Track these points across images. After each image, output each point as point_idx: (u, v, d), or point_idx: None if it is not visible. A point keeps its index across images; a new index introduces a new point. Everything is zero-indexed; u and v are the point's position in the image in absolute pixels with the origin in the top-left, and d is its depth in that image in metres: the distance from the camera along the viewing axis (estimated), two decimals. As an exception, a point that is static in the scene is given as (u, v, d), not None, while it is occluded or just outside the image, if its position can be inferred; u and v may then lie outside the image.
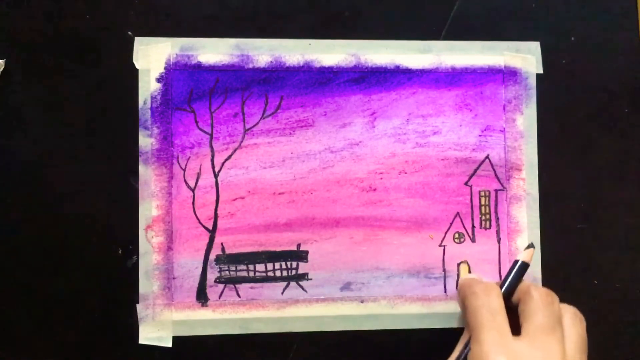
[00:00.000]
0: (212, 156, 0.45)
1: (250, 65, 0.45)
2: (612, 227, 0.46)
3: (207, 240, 0.44)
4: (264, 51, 0.45)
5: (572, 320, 0.37)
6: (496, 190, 0.46)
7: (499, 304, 0.36)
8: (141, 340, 0.43)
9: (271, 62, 0.45)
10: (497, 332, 0.35)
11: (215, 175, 0.45)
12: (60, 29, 0.44)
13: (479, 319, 0.36)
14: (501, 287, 0.39)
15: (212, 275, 0.44)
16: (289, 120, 0.45)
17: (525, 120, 0.46)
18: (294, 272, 0.44)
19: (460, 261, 0.45)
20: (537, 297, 0.36)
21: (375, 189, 0.45)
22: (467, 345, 0.37)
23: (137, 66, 0.44)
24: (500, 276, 0.45)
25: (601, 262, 0.46)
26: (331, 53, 0.45)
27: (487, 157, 0.46)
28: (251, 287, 0.44)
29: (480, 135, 0.46)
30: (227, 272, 0.44)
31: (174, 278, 0.44)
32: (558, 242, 0.46)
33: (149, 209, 0.44)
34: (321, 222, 0.45)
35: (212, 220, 0.44)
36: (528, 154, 0.46)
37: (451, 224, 0.45)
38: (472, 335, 0.36)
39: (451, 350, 0.44)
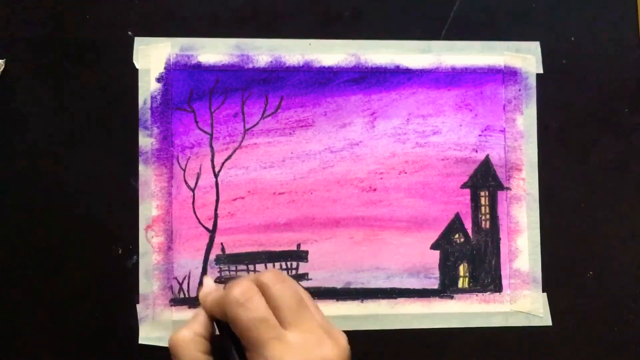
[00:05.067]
0: (212, 156, 0.45)
1: (250, 65, 0.45)
2: (612, 227, 0.46)
3: (207, 240, 0.44)
4: (264, 51, 0.45)
5: (290, 282, 0.35)
6: (496, 190, 0.46)
7: (265, 306, 0.33)
8: (141, 340, 0.43)
9: (271, 62, 0.45)
10: (278, 340, 0.32)
11: (215, 175, 0.45)
12: (60, 29, 0.44)
13: (257, 333, 0.32)
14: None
15: (212, 275, 0.44)
16: (289, 120, 0.45)
17: (525, 120, 0.46)
18: (294, 272, 0.44)
19: (204, 275, 0.42)
20: (272, 284, 0.33)
21: (375, 189, 0.45)
22: None
23: (137, 66, 0.44)
24: (501, 275, 0.45)
25: (601, 262, 0.46)
26: (331, 53, 0.45)
27: (487, 157, 0.46)
28: (251, 287, 0.44)
29: (480, 135, 0.46)
30: (227, 272, 0.44)
31: (174, 278, 0.44)
32: (558, 242, 0.45)
33: (149, 209, 0.44)
34: (321, 222, 0.45)
35: (212, 220, 0.44)
36: (528, 154, 0.46)
37: (451, 224, 0.45)
38: (252, 351, 0.32)
39: (451, 349, 0.45)
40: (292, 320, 0.33)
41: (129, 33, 0.45)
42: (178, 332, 0.34)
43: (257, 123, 0.45)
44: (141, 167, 0.44)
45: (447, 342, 0.45)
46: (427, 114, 0.46)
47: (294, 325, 0.33)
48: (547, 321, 0.45)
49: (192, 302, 0.44)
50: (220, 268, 0.44)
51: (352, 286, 0.45)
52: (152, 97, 0.44)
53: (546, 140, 0.46)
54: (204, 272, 0.44)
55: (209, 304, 0.35)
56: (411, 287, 0.45)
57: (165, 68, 0.45)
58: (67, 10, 0.44)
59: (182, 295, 0.44)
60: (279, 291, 0.33)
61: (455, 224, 0.45)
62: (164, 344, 0.43)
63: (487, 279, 0.45)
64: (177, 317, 0.43)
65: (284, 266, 0.44)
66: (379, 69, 0.46)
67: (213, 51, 0.45)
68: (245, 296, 0.33)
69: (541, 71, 0.46)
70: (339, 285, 0.45)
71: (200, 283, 0.41)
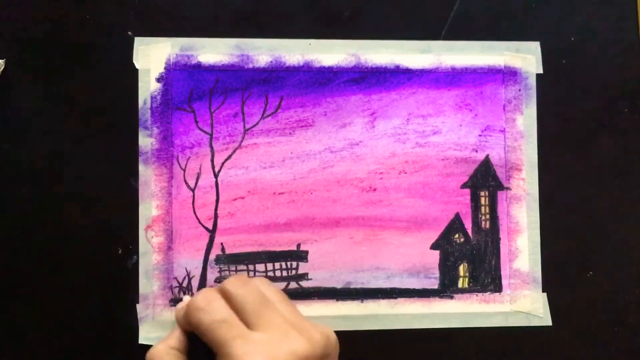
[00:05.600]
0: (212, 156, 0.45)
1: (250, 65, 0.45)
2: (612, 227, 0.46)
3: (207, 240, 0.44)
4: (264, 51, 0.45)
5: (265, 284, 0.37)
6: (496, 190, 0.46)
7: (225, 308, 0.34)
8: (141, 340, 0.43)
9: (271, 62, 0.45)
10: (241, 338, 0.32)
11: (215, 175, 0.45)
12: (60, 29, 0.44)
13: (219, 333, 0.33)
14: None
15: (212, 275, 0.44)
16: (289, 120, 0.45)
17: (525, 120, 0.46)
18: (294, 272, 0.44)
19: (184, 294, 0.43)
20: (233, 289, 0.35)
21: (375, 189, 0.45)
22: None
23: (137, 66, 0.44)
24: (501, 275, 0.45)
25: (601, 262, 0.46)
26: (331, 53, 0.45)
27: (487, 157, 0.46)
28: (251, 287, 0.44)
29: (480, 135, 0.46)
30: (227, 272, 0.44)
31: (174, 278, 0.44)
32: (558, 242, 0.46)
33: (149, 209, 0.44)
34: (321, 222, 0.45)
35: (212, 220, 0.44)
36: (528, 154, 0.46)
37: (451, 224, 0.45)
38: (218, 353, 0.33)
39: (451, 349, 0.45)
40: (256, 321, 0.34)
41: (129, 33, 0.45)
42: (153, 347, 0.36)
43: (257, 123, 0.45)
44: (141, 167, 0.44)
45: (447, 342, 0.45)
46: (427, 114, 0.46)
47: (258, 325, 0.33)
48: (547, 321, 0.45)
49: (192, 302, 0.44)
50: (220, 268, 0.44)
51: (352, 286, 0.45)
52: (152, 97, 0.44)
53: (546, 140, 0.46)
54: (204, 272, 0.44)
55: (180, 318, 0.36)
56: (411, 287, 0.45)
57: (165, 68, 0.45)
58: (67, 10, 0.44)
59: (182, 295, 0.44)
60: (240, 295, 0.34)
61: (455, 224, 0.45)
62: (164, 344, 0.43)
63: (487, 279, 0.45)
64: (177, 317, 0.43)
65: (284, 266, 0.44)
66: (379, 69, 0.46)
67: (213, 51, 0.45)
68: (205, 301, 0.34)
69: (541, 71, 0.46)
70: (339, 285, 0.45)
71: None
